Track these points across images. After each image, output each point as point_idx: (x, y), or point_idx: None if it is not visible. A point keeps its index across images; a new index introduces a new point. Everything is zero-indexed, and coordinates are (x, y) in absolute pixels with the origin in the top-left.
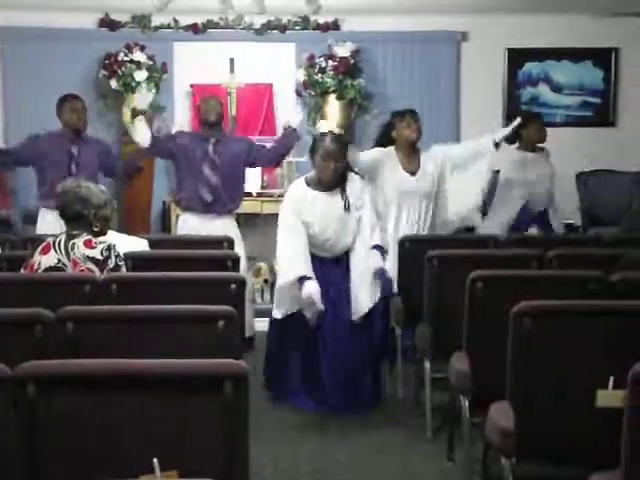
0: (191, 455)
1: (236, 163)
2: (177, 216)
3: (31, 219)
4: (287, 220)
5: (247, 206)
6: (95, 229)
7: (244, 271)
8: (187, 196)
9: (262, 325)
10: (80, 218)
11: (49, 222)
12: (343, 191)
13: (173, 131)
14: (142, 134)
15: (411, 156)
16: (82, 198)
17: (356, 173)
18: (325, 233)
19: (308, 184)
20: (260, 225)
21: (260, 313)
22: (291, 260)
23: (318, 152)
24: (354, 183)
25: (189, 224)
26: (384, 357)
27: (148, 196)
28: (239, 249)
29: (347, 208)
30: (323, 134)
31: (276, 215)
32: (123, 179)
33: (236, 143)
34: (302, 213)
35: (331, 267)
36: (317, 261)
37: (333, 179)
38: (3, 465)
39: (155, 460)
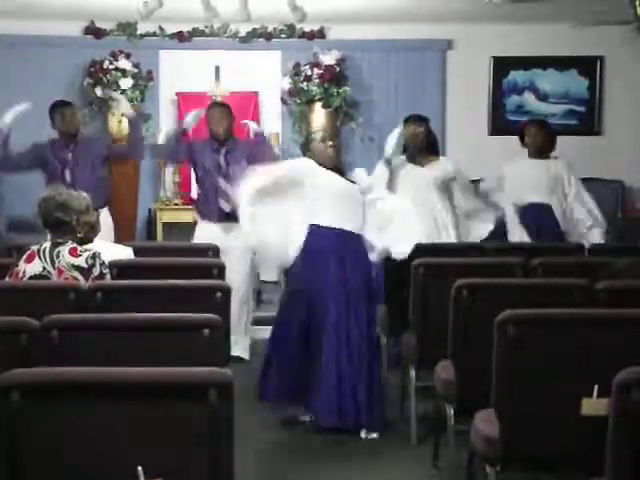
0: (176, 463)
1: (244, 168)
2: (163, 224)
3: (16, 227)
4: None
5: None
6: (79, 235)
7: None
8: (206, 206)
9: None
10: (62, 225)
11: None
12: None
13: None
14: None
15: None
16: (62, 204)
17: None
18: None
19: None
20: None
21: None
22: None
23: (315, 141)
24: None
25: (208, 233)
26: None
27: (134, 204)
28: (248, 262)
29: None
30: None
31: None
32: (137, 157)
33: (242, 148)
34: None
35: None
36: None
37: (334, 158)
38: None
39: (140, 468)
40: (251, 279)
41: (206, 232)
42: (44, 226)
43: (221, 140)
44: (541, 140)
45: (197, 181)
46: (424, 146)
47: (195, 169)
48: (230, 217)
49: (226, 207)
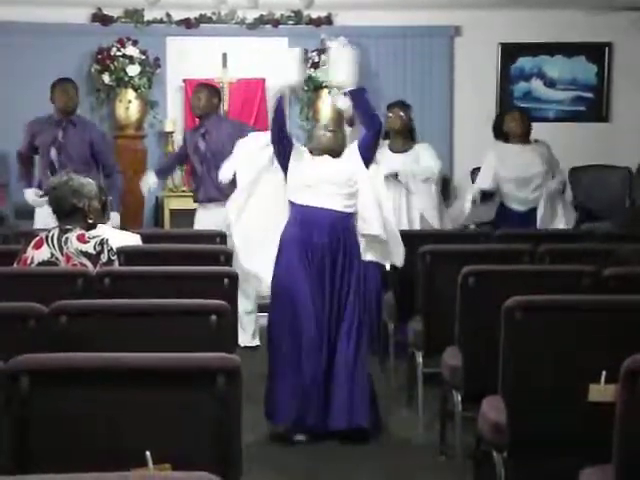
0: (184, 448)
1: (225, 150)
2: (170, 211)
3: (24, 213)
4: None
5: None
6: (90, 221)
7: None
8: (197, 187)
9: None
10: (76, 211)
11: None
12: None
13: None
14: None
15: (401, 143)
16: (76, 191)
17: None
18: None
19: None
20: None
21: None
22: None
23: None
24: None
25: (205, 215)
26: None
27: (141, 191)
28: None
29: None
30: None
31: None
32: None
33: (226, 130)
34: None
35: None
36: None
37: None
38: None
39: (148, 453)
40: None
41: (203, 215)
42: (57, 213)
43: (197, 116)
44: (528, 124)
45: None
46: (405, 131)
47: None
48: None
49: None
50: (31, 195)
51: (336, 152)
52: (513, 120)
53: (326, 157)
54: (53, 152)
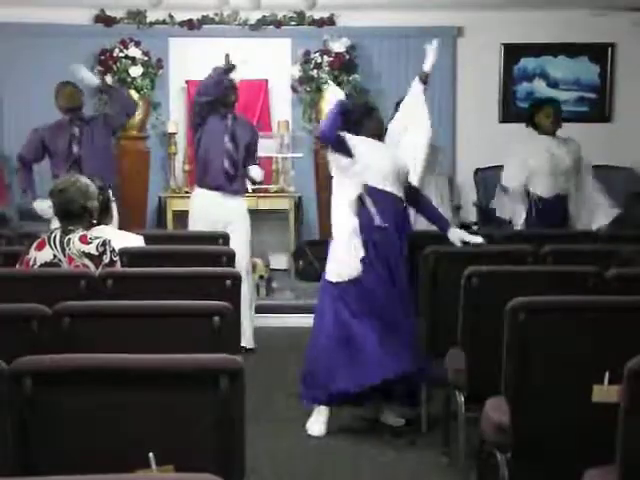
0: (187, 450)
1: (245, 144)
2: (173, 212)
3: (27, 215)
4: None
5: None
6: (94, 221)
7: (245, 257)
8: (208, 170)
9: (258, 321)
10: (83, 212)
11: None
12: None
13: None
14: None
15: None
16: (85, 192)
17: None
18: None
19: None
20: (255, 221)
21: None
22: None
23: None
24: None
25: (203, 200)
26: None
27: (144, 192)
28: (246, 233)
29: None
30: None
31: (272, 211)
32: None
33: (247, 127)
34: None
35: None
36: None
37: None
38: None
39: (151, 454)
40: (249, 257)
41: (202, 199)
42: (63, 214)
43: (232, 103)
44: (559, 119)
45: (198, 148)
46: None
47: (199, 135)
48: (231, 184)
49: (230, 169)
50: (42, 205)
51: None
52: (546, 115)
53: None
54: (76, 148)
